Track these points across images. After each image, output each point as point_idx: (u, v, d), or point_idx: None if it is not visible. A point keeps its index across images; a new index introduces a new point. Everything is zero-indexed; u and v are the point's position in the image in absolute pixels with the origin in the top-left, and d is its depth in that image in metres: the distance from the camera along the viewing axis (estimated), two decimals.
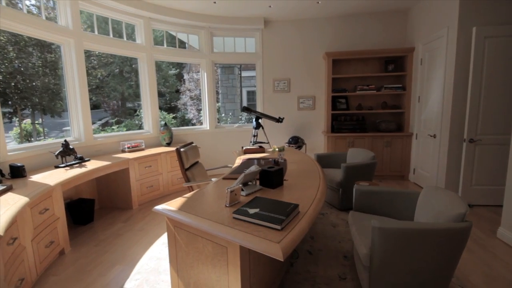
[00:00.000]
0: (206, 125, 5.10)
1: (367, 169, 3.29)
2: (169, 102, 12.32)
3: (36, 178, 2.64)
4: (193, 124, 9.27)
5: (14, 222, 1.89)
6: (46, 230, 2.35)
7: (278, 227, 1.32)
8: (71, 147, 3.19)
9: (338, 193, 3.34)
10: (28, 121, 7.90)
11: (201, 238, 1.49)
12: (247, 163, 2.95)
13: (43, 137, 8.22)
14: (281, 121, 4.61)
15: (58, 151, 3.04)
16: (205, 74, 4.94)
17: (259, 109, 5.23)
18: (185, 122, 10.11)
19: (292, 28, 4.94)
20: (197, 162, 3.13)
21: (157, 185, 4.01)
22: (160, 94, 13.63)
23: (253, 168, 2.05)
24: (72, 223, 3.23)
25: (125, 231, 3.02)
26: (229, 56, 5.06)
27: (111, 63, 12.07)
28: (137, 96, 13.58)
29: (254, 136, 4.49)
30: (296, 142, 4.87)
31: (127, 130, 5.76)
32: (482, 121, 3.18)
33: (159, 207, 1.69)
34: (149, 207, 3.68)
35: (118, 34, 4.22)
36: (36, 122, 7.53)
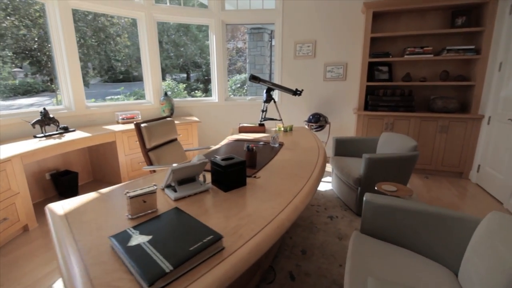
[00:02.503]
0: (214, 97, 4.45)
1: (401, 164, 2.32)
2: (206, 74, 11.91)
3: (3, 147, 2.34)
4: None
5: None
6: None
7: (145, 285, 0.66)
8: (51, 115, 2.87)
9: (356, 192, 2.47)
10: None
11: None
12: (230, 146, 2.26)
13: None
14: (299, 94, 3.71)
15: (35, 120, 2.72)
16: (214, 37, 4.19)
17: (276, 79, 4.35)
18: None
19: None
20: (173, 140, 2.53)
21: None
22: (197, 66, 13.31)
23: (195, 160, 1.36)
24: (58, 196, 3.02)
25: None
26: (242, 14, 4.20)
27: None
28: (174, 67, 13.50)
29: (263, 111, 3.70)
30: (317, 120, 3.95)
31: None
32: None
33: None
34: None
35: None
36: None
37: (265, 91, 3.72)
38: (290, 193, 1.28)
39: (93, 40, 7.26)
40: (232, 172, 1.32)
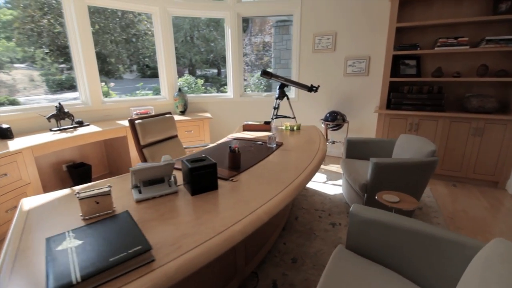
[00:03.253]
0: (230, 93, 4.40)
1: (414, 171, 2.06)
2: None
3: (18, 140, 2.52)
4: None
5: None
6: (8, 195, 2.21)
7: None
8: (66, 110, 3.03)
9: (362, 199, 2.26)
10: (102, 84, 8.73)
11: None
12: (225, 144, 2.19)
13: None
14: (314, 90, 3.52)
15: (50, 114, 2.90)
16: (229, 30, 4.12)
17: (294, 74, 4.16)
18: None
19: None
20: (173, 137, 2.52)
21: None
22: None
23: (162, 160, 1.30)
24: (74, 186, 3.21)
25: None
26: (259, 6, 4.06)
27: (180, 30, 12.30)
28: (204, 63, 13.74)
29: (275, 108, 3.57)
30: (334, 119, 3.70)
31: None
32: None
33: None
34: None
35: None
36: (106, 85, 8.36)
37: (278, 87, 3.59)
38: (259, 202, 1.17)
39: (123, 36, 7.58)
40: (200, 175, 1.24)
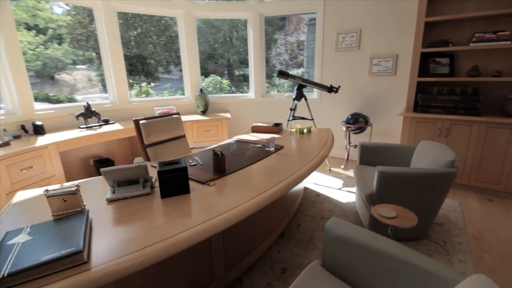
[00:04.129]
0: (251, 93, 4.40)
1: (428, 183, 1.84)
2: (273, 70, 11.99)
3: (48, 136, 2.83)
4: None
5: None
6: (33, 186, 2.46)
7: None
8: (93, 109, 3.31)
9: (369, 210, 2.09)
10: (144, 84, 9.42)
11: None
12: (222, 146, 2.19)
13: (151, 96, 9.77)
14: (335, 91, 3.35)
15: (78, 113, 3.19)
16: (252, 31, 4.11)
17: (316, 74, 4.00)
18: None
19: None
20: (179, 138, 2.59)
21: None
22: (266, 61, 13.51)
23: (135, 162, 1.35)
24: None
25: None
26: (282, 5, 3.97)
27: (220, 31, 12.66)
28: (242, 62, 13.98)
29: (292, 109, 3.48)
30: (356, 121, 3.47)
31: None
32: None
33: None
34: None
35: None
36: (147, 85, 8.94)
37: (296, 87, 3.49)
38: (221, 209, 1.15)
39: (161, 39, 8.03)
40: (168, 178, 1.26)
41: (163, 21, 7.69)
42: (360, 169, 2.46)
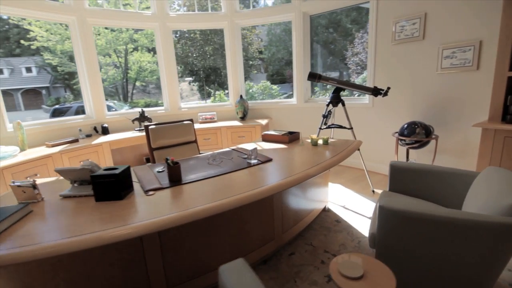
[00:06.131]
0: (294, 99, 4.05)
1: (463, 235, 1.17)
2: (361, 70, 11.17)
3: (110, 136, 3.37)
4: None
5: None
6: None
7: None
8: (146, 115, 3.75)
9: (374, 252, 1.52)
10: (219, 92, 10.27)
11: None
12: (215, 154, 2.07)
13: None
14: (383, 94, 2.70)
15: (134, 118, 3.67)
16: (294, 32, 3.79)
17: (369, 74, 3.33)
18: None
19: None
20: (189, 143, 2.59)
21: None
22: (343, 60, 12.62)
23: (82, 164, 1.38)
24: None
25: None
26: (328, 0, 3.50)
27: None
28: (324, 66, 13.46)
29: (325, 116, 2.98)
30: (412, 133, 2.67)
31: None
32: None
33: None
34: None
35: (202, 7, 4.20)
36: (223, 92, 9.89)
37: (332, 90, 2.99)
38: (124, 220, 1.07)
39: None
40: (99, 183, 1.26)
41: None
42: (387, 198, 1.84)
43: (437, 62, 2.72)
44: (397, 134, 2.84)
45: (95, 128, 3.55)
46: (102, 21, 3.52)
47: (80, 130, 3.38)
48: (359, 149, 2.96)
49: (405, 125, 2.77)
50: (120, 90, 9.15)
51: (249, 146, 2.32)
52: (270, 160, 1.84)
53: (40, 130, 3.04)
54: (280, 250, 1.96)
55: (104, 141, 3.07)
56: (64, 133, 3.25)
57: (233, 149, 2.21)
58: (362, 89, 2.83)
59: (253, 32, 9.36)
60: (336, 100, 2.95)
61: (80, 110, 3.75)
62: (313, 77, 2.90)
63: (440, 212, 1.21)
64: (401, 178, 1.93)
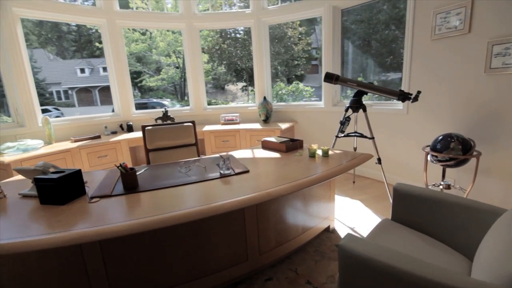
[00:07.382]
0: (322, 102, 3.73)
1: None
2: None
3: (131, 134, 3.59)
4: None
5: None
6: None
7: None
8: (168, 114, 3.90)
9: None
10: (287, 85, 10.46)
11: None
12: (205, 160, 2.01)
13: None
14: (411, 99, 2.29)
15: (157, 117, 3.85)
16: (323, 30, 3.47)
17: (404, 74, 2.86)
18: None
19: None
20: (188, 145, 2.56)
21: None
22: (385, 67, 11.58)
23: (36, 165, 1.46)
24: None
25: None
26: None
27: (354, 34, 11.87)
28: (379, 66, 12.37)
29: (342, 123, 2.65)
30: (445, 148, 2.18)
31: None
32: None
33: None
34: None
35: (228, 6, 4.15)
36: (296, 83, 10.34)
37: (353, 94, 2.65)
38: (63, 227, 1.07)
39: (280, 47, 8.43)
40: (42, 186, 1.29)
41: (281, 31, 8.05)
42: (386, 229, 1.52)
43: (486, 61, 2.16)
44: (428, 148, 2.36)
45: (121, 126, 3.78)
46: (131, 23, 3.73)
47: (105, 127, 3.60)
48: (380, 162, 2.57)
49: (440, 138, 2.28)
50: (177, 89, 9.85)
51: (246, 153, 2.19)
52: (246, 171, 1.68)
53: (69, 126, 3.37)
54: (257, 273, 1.78)
55: (123, 138, 3.25)
56: (91, 129, 3.54)
57: (221, 156, 2.10)
58: (387, 92, 2.42)
59: (297, 31, 9.04)
60: (356, 104, 2.61)
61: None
62: (330, 78, 2.61)
63: (417, 270, 0.90)
64: (406, 206, 1.58)
